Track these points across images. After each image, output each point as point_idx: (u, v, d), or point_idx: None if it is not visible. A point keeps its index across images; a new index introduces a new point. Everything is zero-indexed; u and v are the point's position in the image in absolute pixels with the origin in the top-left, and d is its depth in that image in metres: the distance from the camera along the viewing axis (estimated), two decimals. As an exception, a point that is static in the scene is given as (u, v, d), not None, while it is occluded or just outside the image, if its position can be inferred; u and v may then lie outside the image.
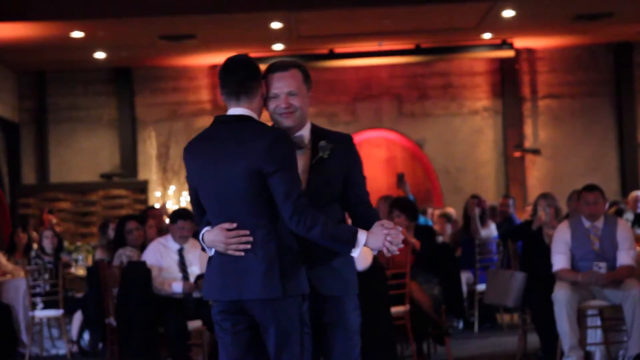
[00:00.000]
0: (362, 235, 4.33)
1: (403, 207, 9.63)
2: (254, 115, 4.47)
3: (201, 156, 4.45)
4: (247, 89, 4.46)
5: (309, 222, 4.27)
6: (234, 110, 4.47)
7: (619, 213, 11.39)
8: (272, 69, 4.58)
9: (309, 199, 4.37)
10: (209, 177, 4.42)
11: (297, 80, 4.55)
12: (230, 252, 4.38)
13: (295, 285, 4.38)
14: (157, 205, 15.84)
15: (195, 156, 4.47)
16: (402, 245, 4.40)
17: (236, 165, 4.33)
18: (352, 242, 4.33)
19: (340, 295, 4.55)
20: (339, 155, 4.55)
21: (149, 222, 10.39)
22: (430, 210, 15.00)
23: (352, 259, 4.56)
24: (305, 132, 4.60)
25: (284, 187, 4.28)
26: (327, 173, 4.53)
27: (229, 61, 4.51)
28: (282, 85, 4.52)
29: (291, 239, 4.39)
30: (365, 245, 4.35)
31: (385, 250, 4.35)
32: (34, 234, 13.33)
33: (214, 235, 4.41)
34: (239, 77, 4.46)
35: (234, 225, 4.37)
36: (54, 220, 15.48)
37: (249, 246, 4.35)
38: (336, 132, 4.70)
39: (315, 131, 4.64)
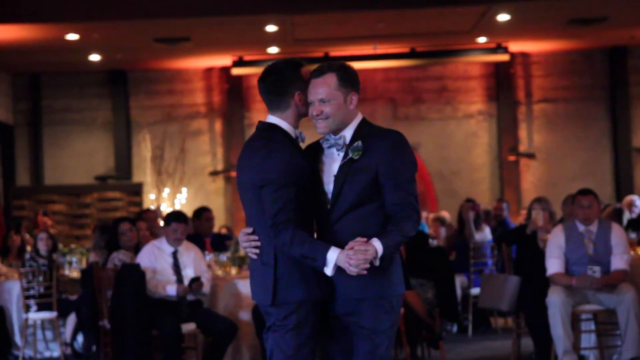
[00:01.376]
0: (332, 254, 4.35)
1: None
2: (283, 124, 4.59)
3: (239, 159, 4.68)
4: (276, 104, 4.60)
5: (280, 238, 4.42)
6: (268, 118, 4.66)
7: (618, 213, 11.36)
8: (311, 74, 4.61)
9: (336, 200, 4.48)
10: (238, 181, 4.68)
11: (329, 87, 4.53)
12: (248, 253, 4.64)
13: (288, 294, 4.47)
14: (152, 207, 15.83)
15: (239, 158, 4.70)
16: (367, 266, 4.31)
17: (245, 176, 4.58)
18: (320, 263, 4.37)
19: (365, 297, 4.50)
20: (372, 155, 4.48)
21: (139, 224, 10.33)
22: (424, 214, 15.00)
23: (390, 262, 4.47)
24: (347, 133, 4.58)
25: (267, 203, 4.45)
26: (354, 174, 4.48)
27: (265, 71, 4.63)
28: (315, 92, 4.55)
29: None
30: (337, 264, 4.36)
31: (348, 271, 4.34)
32: (27, 236, 13.29)
33: (239, 236, 4.67)
34: (267, 91, 4.62)
35: (251, 229, 4.57)
36: (49, 223, 15.45)
37: (257, 250, 4.53)
38: (383, 131, 4.59)
39: (361, 130, 4.58)
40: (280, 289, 4.47)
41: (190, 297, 8.85)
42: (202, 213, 11.07)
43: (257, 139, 4.61)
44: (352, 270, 4.30)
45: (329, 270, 4.36)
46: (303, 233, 4.40)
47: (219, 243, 11.13)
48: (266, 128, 4.62)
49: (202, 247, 10.07)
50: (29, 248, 12.32)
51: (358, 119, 4.63)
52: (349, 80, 4.60)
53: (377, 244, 4.33)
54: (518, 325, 9.47)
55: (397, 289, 4.54)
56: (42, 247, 11.32)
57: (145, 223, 10.66)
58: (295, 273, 4.46)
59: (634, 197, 13.07)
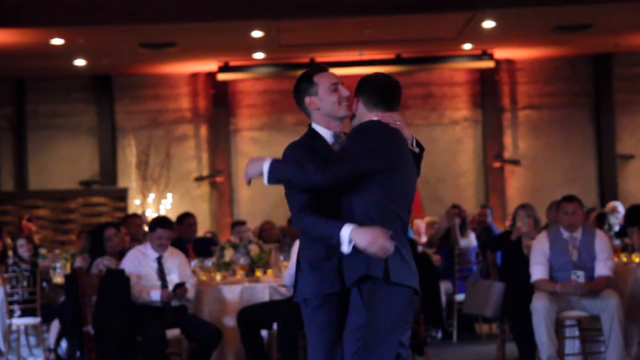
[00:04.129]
0: (345, 231, 4.45)
1: None
2: (317, 127, 4.81)
3: None
4: (304, 112, 4.88)
5: (300, 226, 4.62)
6: None
7: (602, 218, 11.40)
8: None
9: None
10: None
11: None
12: None
13: (300, 290, 4.69)
14: (138, 212, 15.75)
15: None
16: (388, 246, 4.42)
17: None
18: (335, 241, 4.47)
19: (347, 291, 4.64)
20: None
21: (123, 230, 10.27)
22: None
23: (352, 255, 4.54)
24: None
25: (287, 200, 4.70)
26: None
27: None
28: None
29: (310, 245, 4.68)
30: (353, 239, 4.43)
31: (376, 254, 4.43)
32: (9, 241, 13.22)
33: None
34: None
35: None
36: (33, 229, 15.37)
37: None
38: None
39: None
40: (298, 283, 4.71)
41: (174, 303, 8.82)
42: (184, 219, 11.07)
43: None
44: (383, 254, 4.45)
45: (345, 248, 4.46)
46: (318, 216, 4.54)
47: (204, 248, 11.11)
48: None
49: (185, 253, 10.05)
50: (10, 253, 12.26)
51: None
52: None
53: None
54: (502, 331, 9.49)
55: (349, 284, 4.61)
56: (24, 252, 11.27)
57: (126, 228, 10.60)
58: (310, 269, 4.64)
59: (617, 204, 13.14)
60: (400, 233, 4.61)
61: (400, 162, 4.62)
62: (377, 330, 4.53)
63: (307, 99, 4.78)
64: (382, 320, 4.53)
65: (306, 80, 4.79)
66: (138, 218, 10.97)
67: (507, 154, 19.28)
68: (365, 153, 4.55)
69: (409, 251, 4.69)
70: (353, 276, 4.54)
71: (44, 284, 11.23)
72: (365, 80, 4.85)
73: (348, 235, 4.43)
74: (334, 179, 4.50)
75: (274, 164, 4.50)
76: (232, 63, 18.16)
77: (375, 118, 4.74)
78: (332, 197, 4.62)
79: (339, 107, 4.79)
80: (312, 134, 4.79)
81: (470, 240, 12.48)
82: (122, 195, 18.84)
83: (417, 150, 4.83)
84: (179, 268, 8.97)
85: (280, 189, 4.70)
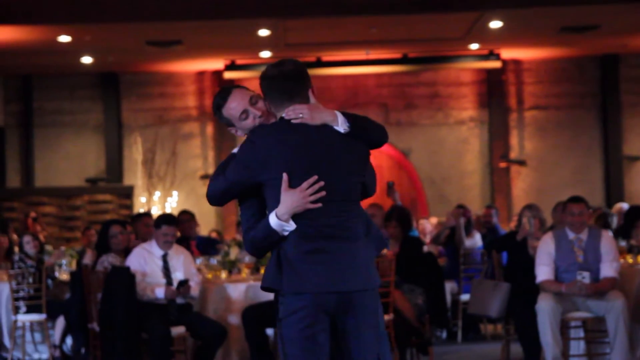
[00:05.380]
0: (273, 218, 4.25)
1: (400, 217, 9.72)
2: None
3: None
4: None
5: (247, 245, 4.42)
6: None
7: (604, 217, 11.38)
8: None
9: None
10: None
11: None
12: None
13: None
14: (142, 210, 15.76)
15: None
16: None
17: None
18: (274, 233, 4.26)
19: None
20: None
21: (128, 227, 10.23)
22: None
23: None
24: None
25: None
26: None
27: None
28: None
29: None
30: (282, 216, 4.22)
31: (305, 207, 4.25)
32: (15, 237, 13.24)
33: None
34: None
35: None
36: (39, 228, 15.38)
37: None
38: None
39: None
40: None
41: (179, 301, 8.83)
42: (180, 216, 11.06)
43: None
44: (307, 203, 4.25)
45: (290, 227, 4.24)
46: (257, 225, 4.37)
47: (209, 247, 11.10)
48: None
49: (188, 250, 10.05)
50: (16, 249, 12.29)
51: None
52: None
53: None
54: (507, 331, 9.48)
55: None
56: (30, 249, 11.29)
57: (135, 228, 10.57)
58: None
59: (624, 205, 13.11)
60: (312, 237, 4.29)
61: (291, 161, 4.27)
62: (287, 342, 4.29)
63: (232, 130, 4.55)
64: (287, 332, 4.29)
65: (219, 116, 4.54)
66: (149, 217, 10.78)
67: (513, 154, 19.26)
68: (239, 165, 4.34)
69: (325, 253, 4.30)
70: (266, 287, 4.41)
71: (49, 281, 11.25)
72: (259, 82, 4.44)
73: (276, 219, 4.21)
74: (213, 191, 4.41)
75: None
76: (239, 61, 18.17)
77: (283, 115, 4.36)
78: None
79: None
80: None
81: (476, 240, 12.47)
82: (127, 193, 18.86)
83: (342, 129, 4.33)
84: (184, 266, 8.98)
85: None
